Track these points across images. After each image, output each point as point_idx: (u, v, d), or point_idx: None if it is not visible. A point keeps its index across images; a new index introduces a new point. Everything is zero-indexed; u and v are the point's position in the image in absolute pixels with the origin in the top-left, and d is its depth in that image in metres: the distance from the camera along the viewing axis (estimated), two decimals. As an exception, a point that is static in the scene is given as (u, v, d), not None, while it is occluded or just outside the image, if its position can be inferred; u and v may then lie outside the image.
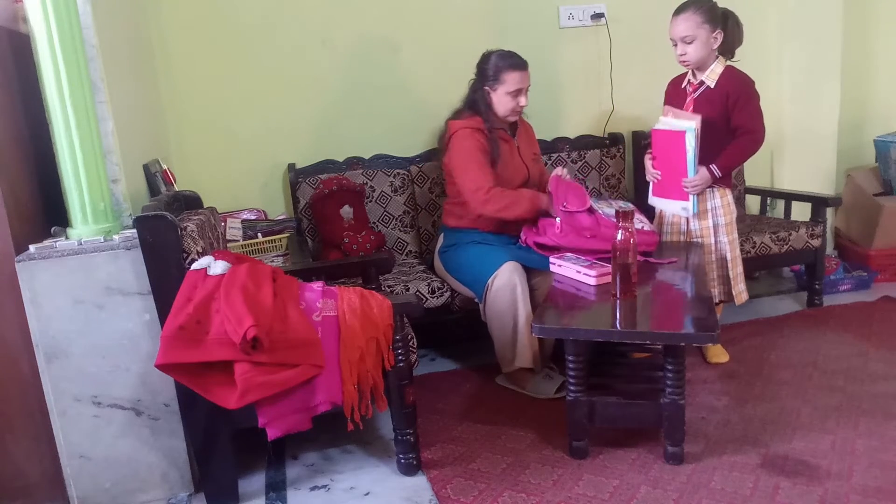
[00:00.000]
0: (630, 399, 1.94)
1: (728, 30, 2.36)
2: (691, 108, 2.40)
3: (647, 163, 2.52)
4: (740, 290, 2.49)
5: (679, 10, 2.35)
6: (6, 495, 1.85)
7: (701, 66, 2.39)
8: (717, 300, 2.49)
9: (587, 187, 3.17)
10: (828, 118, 3.45)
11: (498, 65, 2.47)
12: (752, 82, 2.37)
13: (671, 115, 2.40)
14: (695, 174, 2.33)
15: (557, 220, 2.38)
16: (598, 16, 3.19)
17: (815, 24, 3.34)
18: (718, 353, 2.54)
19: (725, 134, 2.38)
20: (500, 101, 2.49)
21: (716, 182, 2.39)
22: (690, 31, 2.30)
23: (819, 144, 3.47)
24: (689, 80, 2.45)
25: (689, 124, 2.29)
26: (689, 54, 2.34)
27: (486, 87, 2.50)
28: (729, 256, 2.45)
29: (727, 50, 2.40)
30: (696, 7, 2.31)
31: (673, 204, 2.45)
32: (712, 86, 2.36)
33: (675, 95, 2.51)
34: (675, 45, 2.36)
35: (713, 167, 2.34)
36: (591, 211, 2.40)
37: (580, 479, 1.86)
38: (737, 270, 2.48)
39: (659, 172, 2.46)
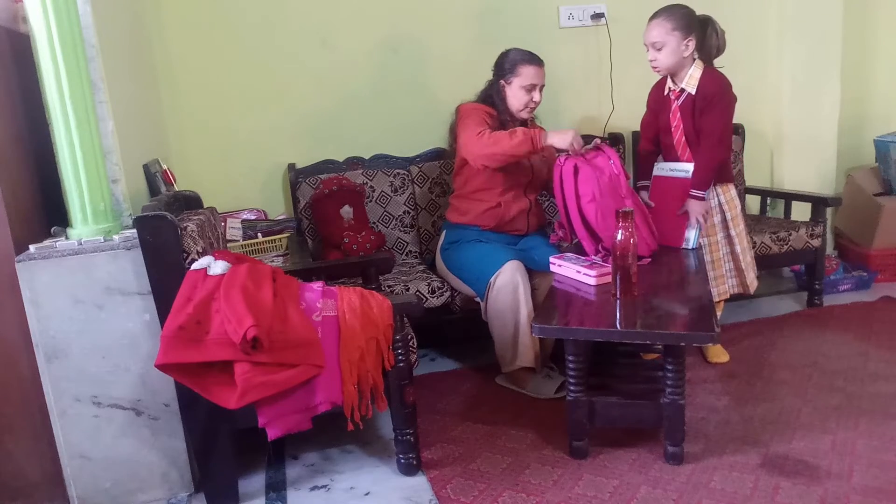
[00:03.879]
0: (630, 399, 1.94)
1: (706, 37, 2.34)
2: (678, 115, 2.39)
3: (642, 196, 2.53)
4: (752, 279, 2.51)
5: (652, 16, 2.34)
6: (6, 495, 1.85)
7: (675, 73, 2.37)
8: (732, 292, 2.50)
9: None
10: (828, 118, 3.45)
11: (515, 58, 2.49)
12: (728, 85, 2.33)
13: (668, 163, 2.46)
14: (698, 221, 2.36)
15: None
16: (598, 16, 3.19)
17: (815, 23, 3.34)
18: (718, 353, 2.54)
19: None
20: (515, 94, 2.50)
21: (715, 182, 2.40)
22: (660, 38, 2.29)
23: (819, 144, 3.47)
24: (669, 87, 2.43)
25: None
26: (659, 60, 2.33)
27: (502, 81, 2.51)
28: (739, 248, 2.46)
29: (706, 58, 2.37)
30: (669, 14, 2.30)
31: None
32: (693, 92, 2.34)
33: (658, 102, 2.50)
34: (648, 51, 2.36)
35: (693, 192, 2.34)
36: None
37: (580, 479, 1.86)
38: (748, 259, 2.49)
39: (653, 204, 2.48)
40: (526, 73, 2.47)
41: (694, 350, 2.58)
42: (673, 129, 2.42)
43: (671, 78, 2.41)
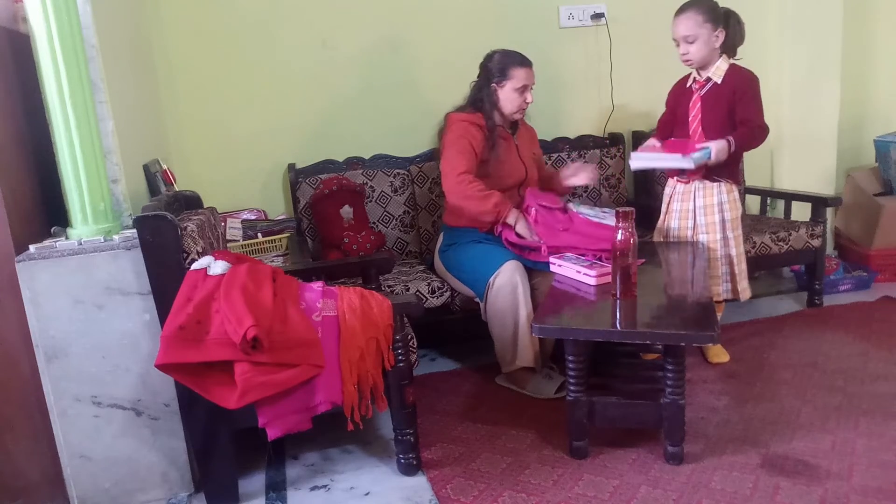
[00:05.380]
0: (630, 399, 1.94)
1: (730, 28, 2.36)
2: (698, 104, 2.41)
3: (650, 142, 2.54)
4: (745, 287, 2.50)
5: (680, 10, 2.36)
6: (6, 495, 1.85)
7: (705, 65, 2.39)
8: (724, 297, 2.49)
9: (587, 187, 3.19)
10: (828, 118, 3.45)
11: (504, 62, 2.49)
12: (757, 79, 2.37)
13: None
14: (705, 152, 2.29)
15: (533, 210, 2.43)
16: (598, 16, 3.19)
17: (816, 23, 3.34)
18: (718, 353, 2.54)
19: (733, 130, 2.37)
20: (508, 97, 2.50)
21: (722, 177, 2.40)
22: (692, 31, 2.31)
23: (819, 144, 3.47)
24: (694, 78, 2.45)
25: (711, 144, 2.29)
26: (692, 53, 2.35)
27: (493, 84, 2.50)
28: (734, 252, 2.46)
29: (729, 49, 2.40)
30: (698, 7, 2.32)
31: (667, 159, 2.34)
32: (719, 82, 2.36)
33: (680, 95, 2.50)
34: (678, 45, 2.37)
35: (730, 138, 2.30)
36: (564, 210, 2.44)
37: (580, 479, 1.86)
38: (742, 266, 2.49)
39: (659, 143, 2.47)
40: (518, 76, 2.47)
41: (694, 350, 2.58)
42: (691, 119, 2.43)
43: (697, 71, 2.43)
